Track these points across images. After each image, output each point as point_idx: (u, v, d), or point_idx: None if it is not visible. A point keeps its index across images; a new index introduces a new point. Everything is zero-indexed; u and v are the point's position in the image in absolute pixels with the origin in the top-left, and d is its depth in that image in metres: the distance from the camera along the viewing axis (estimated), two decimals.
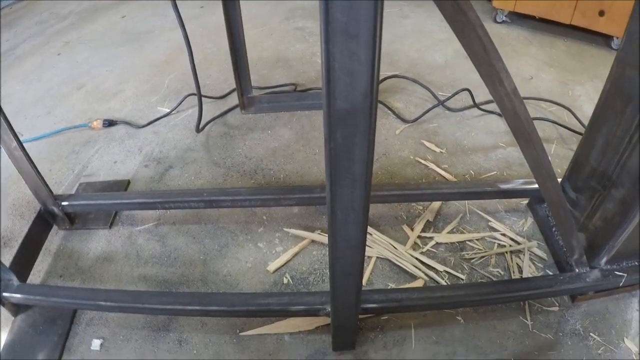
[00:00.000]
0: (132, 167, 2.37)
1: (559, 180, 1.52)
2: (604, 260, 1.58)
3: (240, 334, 1.57)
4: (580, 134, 2.27)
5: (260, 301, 1.51)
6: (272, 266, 1.86)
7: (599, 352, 1.52)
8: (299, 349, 1.54)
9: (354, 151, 0.89)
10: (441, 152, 2.33)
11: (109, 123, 2.67)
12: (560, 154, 2.29)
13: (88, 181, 2.30)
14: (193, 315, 1.63)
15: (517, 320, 1.62)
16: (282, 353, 1.53)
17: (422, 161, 2.28)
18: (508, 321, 1.62)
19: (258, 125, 2.56)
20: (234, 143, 2.41)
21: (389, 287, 1.75)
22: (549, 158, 1.32)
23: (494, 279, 1.76)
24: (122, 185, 2.28)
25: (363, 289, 1.44)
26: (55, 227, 2.05)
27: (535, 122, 1.27)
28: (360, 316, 1.53)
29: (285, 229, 1.95)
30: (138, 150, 2.47)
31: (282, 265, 1.86)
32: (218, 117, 2.62)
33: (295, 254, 1.87)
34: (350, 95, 0.80)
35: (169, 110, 2.72)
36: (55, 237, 2.02)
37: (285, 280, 1.81)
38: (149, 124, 2.64)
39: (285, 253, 1.90)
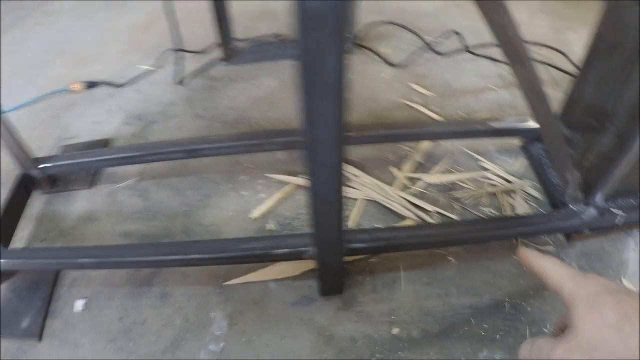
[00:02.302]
0: (113, 126, 2.22)
1: None
2: (600, 197, 1.48)
3: (224, 283, 1.45)
4: (573, 76, 2.11)
5: (243, 246, 1.38)
6: (255, 213, 1.72)
7: None
8: (286, 295, 1.43)
9: (326, 58, 0.75)
10: (430, 94, 2.19)
11: (90, 85, 2.51)
12: (553, 97, 2.10)
13: (68, 143, 2.14)
14: (174, 266, 1.52)
15: (511, 260, 1.51)
16: (268, 300, 1.42)
17: (411, 104, 2.14)
18: (501, 261, 1.51)
19: (242, 76, 2.43)
20: (217, 94, 2.30)
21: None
22: None
23: (487, 217, 1.66)
24: (103, 145, 2.13)
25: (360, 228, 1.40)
26: (36, 192, 1.88)
27: None
28: (347, 258, 1.44)
29: (268, 175, 1.84)
30: (119, 109, 2.32)
31: (266, 212, 1.72)
32: (200, 70, 2.49)
33: (279, 200, 1.77)
34: None
35: (149, 68, 2.56)
36: (37, 202, 1.85)
37: (268, 227, 1.68)
38: (129, 82, 2.49)
39: (269, 199, 1.76)
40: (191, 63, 2.53)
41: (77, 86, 2.48)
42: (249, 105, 2.22)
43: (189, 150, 1.82)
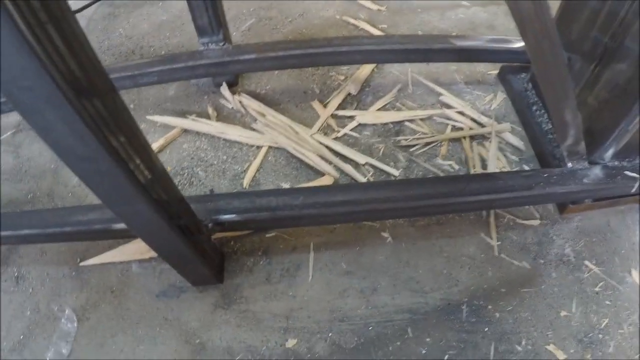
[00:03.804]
0: None
1: None
2: (611, 152, 1.15)
3: (81, 264, 1.27)
4: None
5: (79, 218, 1.10)
6: None
7: (597, 289, 1.12)
8: (149, 283, 1.21)
9: None
10: (379, 9, 1.74)
11: None
12: None
13: None
14: (7, 244, 1.31)
15: (477, 239, 1.18)
16: (128, 289, 1.21)
17: (352, 20, 1.69)
18: (463, 241, 1.18)
19: None
20: (116, 23, 1.94)
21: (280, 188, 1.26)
22: None
23: (443, 175, 1.28)
24: None
25: (236, 191, 1.23)
26: None
27: None
28: (219, 235, 1.14)
29: (149, 117, 1.47)
30: None
31: None
32: None
33: (161, 149, 1.41)
34: None
35: None
36: None
37: None
38: None
39: None
40: None
41: None
42: (149, 32, 1.85)
43: None
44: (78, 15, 1.94)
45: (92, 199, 1.36)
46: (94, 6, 2.01)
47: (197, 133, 1.43)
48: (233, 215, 0.98)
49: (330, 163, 1.25)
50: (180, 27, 1.83)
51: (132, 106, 1.57)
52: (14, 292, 1.26)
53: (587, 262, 1.15)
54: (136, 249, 1.24)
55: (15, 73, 0.52)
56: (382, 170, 1.28)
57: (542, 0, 0.82)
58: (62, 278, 1.27)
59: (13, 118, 1.64)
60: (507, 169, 1.25)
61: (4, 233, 1.14)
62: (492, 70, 1.51)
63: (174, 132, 1.41)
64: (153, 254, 1.21)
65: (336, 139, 1.32)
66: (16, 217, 1.22)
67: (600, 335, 1.04)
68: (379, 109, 1.39)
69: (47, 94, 0.54)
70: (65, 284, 1.26)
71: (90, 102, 0.59)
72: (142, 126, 1.49)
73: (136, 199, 0.75)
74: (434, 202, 1.07)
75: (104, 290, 1.22)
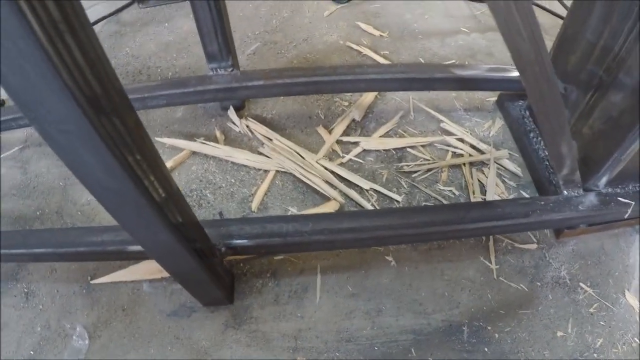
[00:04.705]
0: None
1: None
2: (604, 180, 1.17)
3: (92, 282, 1.26)
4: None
5: (92, 239, 1.10)
6: None
7: (591, 310, 1.14)
8: (161, 302, 1.21)
9: None
10: (381, 35, 1.78)
11: None
12: None
13: None
14: (18, 261, 1.33)
15: (477, 263, 1.21)
16: (139, 307, 1.20)
17: (355, 46, 1.73)
18: (463, 265, 1.21)
19: (155, 19, 2.06)
20: (123, 42, 1.96)
21: (288, 214, 1.27)
22: None
23: (444, 202, 1.30)
24: None
25: (244, 216, 1.24)
26: None
27: None
28: (230, 258, 1.18)
29: (158, 139, 1.47)
30: None
31: None
32: (110, 15, 2.09)
33: (170, 171, 1.39)
34: None
35: None
36: None
37: None
38: None
39: None
40: (104, 7, 2.15)
41: None
42: (156, 52, 1.86)
43: None
44: None
45: (101, 218, 1.39)
46: (100, 23, 2.03)
47: (206, 156, 1.44)
48: (245, 240, 1.01)
49: (335, 188, 1.28)
50: (187, 49, 1.83)
51: None
52: (24, 308, 1.25)
53: (582, 284, 1.17)
54: (147, 269, 1.24)
55: (56, 117, 0.54)
56: (385, 196, 1.30)
57: (541, 45, 0.87)
58: (72, 295, 1.26)
59: (20, 134, 1.64)
60: (506, 194, 1.28)
61: (16, 251, 1.14)
62: (490, 97, 1.53)
63: (182, 155, 1.42)
64: (164, 274, 1.22)
65: (341, 164, 1.34)
66: (29, 235, 1.22)
67: (595, 355, 1.07)
68: (381, 136, 1.41)
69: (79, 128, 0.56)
70: (75, 301, 1.25)
71: (109, 121, 0.60)
72: None
73: (156, 224, 0.77)
74: (435, 229, 1.11)
75: (115, 309, 1.21)
